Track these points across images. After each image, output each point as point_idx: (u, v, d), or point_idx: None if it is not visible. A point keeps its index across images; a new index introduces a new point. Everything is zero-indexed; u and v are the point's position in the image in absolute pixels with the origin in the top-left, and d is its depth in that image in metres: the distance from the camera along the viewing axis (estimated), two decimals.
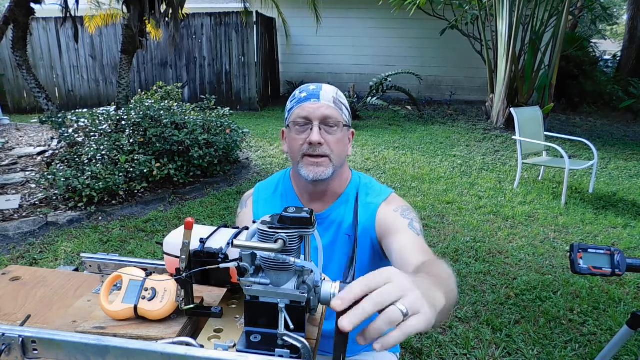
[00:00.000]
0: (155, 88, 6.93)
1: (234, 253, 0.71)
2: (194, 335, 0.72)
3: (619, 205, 4.08)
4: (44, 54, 9.14)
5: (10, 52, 5.89)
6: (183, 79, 9.05)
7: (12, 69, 8.85)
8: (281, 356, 0.63)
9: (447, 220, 3.71)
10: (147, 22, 5.62)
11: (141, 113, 4.44)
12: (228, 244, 0.73)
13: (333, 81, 9.84)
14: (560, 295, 2.63)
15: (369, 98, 7.86)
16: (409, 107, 8.83)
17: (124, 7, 5.59)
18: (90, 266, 0.98)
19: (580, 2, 9.31)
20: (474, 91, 9.89)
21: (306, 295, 0.63)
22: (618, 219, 3.74)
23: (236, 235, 0.76)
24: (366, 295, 0.51)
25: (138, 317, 0.74)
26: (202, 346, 0.68)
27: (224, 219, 3.68)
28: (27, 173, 4.45)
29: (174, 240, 0.75)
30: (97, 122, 4.51)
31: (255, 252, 0.65)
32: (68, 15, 5.81)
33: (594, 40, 11.57)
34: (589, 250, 1.06)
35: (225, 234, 0.77)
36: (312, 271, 0.66)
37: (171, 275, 0.75)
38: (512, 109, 4.58)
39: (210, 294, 0.84)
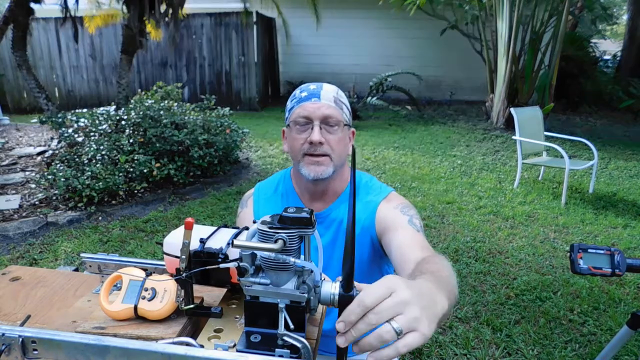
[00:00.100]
0: (155, 88, 6.93)
1: (234, 253, 0.71)
2: (194, 335, 0.72)
3: (619, 205, 4.08)
4: (43, 54, 9.14)
5: (10, 52, 5.90)
6: (183, 79, 9.05)
7: (12, 69, 8.85)
8: (281, 356, 0.63)
9: (447, 220, 3.71)
10: (147, 22, 5.62)
11: (141, 113, 4.44)
12: (228, 244, 0.73)
13: (333, 81, 9.72)
14: (560, 295, 2.63)
15: (369, 98, 7.86)
16: (409, 107, 8.83)
17: (124, 7, 5.59)
18: (90, 266, 0.98)
19: (580, 2, 9.32)
20: (474, 91, 9.88)
21: (306, 295, 0.63)
22: (618, 219, 3.74)
23: (236, 235, 0.76)
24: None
25: (138, 317, 0.74)
26: (202, 346, 0.68)
27: (224, 219, 3.68)
28: (27, 173, 4.46)
29: (174, 240, 0.75)
30: (97, 122, 4.51)
31: (255, 252, 0.65)
32: (68, 15, 5.81)
33: (594, 40, 11.56)
34: (589, 250, 1.06)
35: (225, 234, 0.77)
36: (312, 271, 0.66)
37: (171, 275, 0.75)
38: (512, 109, 4.58)
39: (210, 294, 0.84)
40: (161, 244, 0.78)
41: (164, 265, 0.91)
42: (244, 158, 5.39)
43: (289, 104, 1.12)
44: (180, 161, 4.31)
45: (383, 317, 0.52)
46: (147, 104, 4.69)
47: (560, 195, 4.20)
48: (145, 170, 3.97)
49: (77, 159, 4.00)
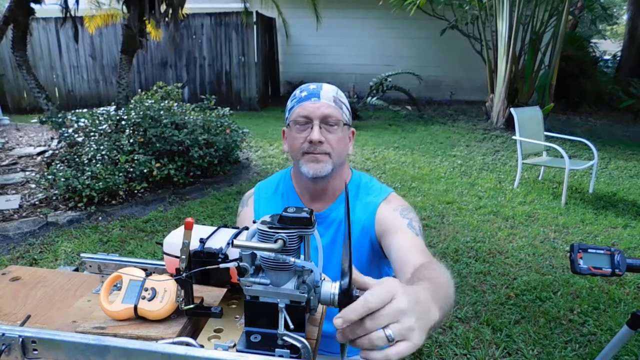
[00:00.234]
0: (155, 88, 6.93)
1: (234, 253, 0.71)
2: (194, 335, 0.72)
3: (619, 205, 4.08)
4: (43, 54, 9.14)
5: (10, 52, 5.89)
6: (183, 79, 9.05)
7: (12, 69, 8.84)
8: (281, 356, 0.63)
9: (447, 220, 3.71)
10: (147, 22, 5.62)
11: (141, 113, 4.44)
12: (228, 244, 0.73)
13: (333, 81, 9.76)
14: (560, 295, 2.63)
15: (369, 98, 7.86)
16: (409, 107, 8.83)
17: (124, 7, 5.59)
18: (90, 266, 0.98)
19: (580, 2, 9.32)
20: (474, 91, 9.88)
21: (306, 295, 0.63)
22: (618, 219, 3.74)
23: (236, 235, 0.76)
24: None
25: (138, 317, 0.74)
26: (202, 346, 0.68)
27: (224, 219, 3.68)
28: (27, 173, 4.46)
29: (173, 240, 0.75)
30: (97, 122, 4.51)
31: (255, 252, 0.65)
32: (68, 15, 5.81)
33: (594, 40, 11.57)
34: (589, 250, 1.06)
35: (225, 234, 0.77)
36: (312, 271, 0.66)
37: (171, 275, 0.75)
38: (512, 109, 4.58)
39: (210, 294, 0.83)
40: (161, 244, 0.78)
41: (164, 265, 0.91)
42: (244, 158, 5.39)
43: (289, 104, 1.13)
44: (180, 161, 4.31)
45: (380, 324, 0.53)
46: (147, 104, 4.69)
47: (560, 195, 4.20)
48: (145, 170, 3.97)
49: (77, 159, 4.00)
